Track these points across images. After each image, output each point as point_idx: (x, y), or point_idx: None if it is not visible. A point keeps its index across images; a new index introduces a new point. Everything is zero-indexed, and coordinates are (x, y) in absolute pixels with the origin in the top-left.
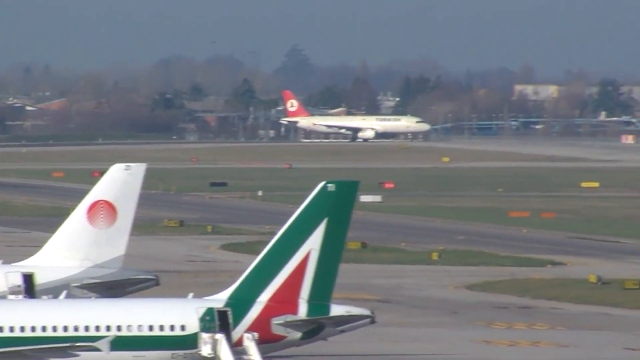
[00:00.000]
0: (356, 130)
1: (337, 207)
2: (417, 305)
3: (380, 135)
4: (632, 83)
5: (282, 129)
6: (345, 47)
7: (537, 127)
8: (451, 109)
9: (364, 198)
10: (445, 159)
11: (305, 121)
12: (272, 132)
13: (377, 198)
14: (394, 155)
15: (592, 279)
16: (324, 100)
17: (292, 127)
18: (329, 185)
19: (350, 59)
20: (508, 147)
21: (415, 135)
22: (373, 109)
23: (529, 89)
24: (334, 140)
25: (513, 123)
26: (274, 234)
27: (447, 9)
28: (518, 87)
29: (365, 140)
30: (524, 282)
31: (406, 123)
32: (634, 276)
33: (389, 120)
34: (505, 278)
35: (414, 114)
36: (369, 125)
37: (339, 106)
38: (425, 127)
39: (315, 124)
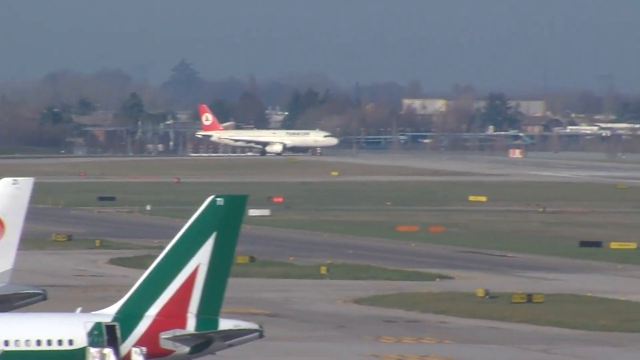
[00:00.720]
0: (265, 144)
1: (225, 222)
2: (305, 319)
3: (289, 149)
4: (519, 97)
5: (171, 143)
6: (234, 62)
7: (426, 141)
8: (340, 123)
9: (253, 212)
10: (334, 173)
11: (218, 134)
12: (160, 147)
13: (266, 212)
14: (283, 169)
15: (480, 292)
16: (213, 114)
17: (181, 142)
18: (218, 199)
19: (238, 74)
20: (396, 161)
21: (323, 149)
22: (262, 123)
23: (417, 103)
24: (223, 155)
25: (401, 137)
26: (162, 248)
27: (335, 24)
28: (406, 102)
29: (279, 154)
30: (413, 296)
31: (314, 137)
32: (521, 290)
33: (298, 134)
34: (393, 292)
35: (302, 128)
36: (279, 139)
37: (228, 120)
38: (333, 141)
39: (220, 138)
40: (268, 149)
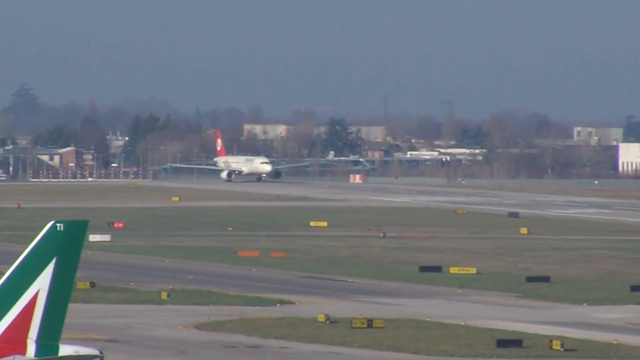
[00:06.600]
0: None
1: (66, 247)
2: (146, 345)
3: (246, 175)
4: (360, 123)
5: (11, 169)
6: (74, 87)
7: None
8: (180, 148)
9: (93, 238)
10: (175, 199)
11: (221, 160)
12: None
13: (107, 237)
14: (123, 194)
15: (321, 318)
16: (53, 140)
17: (21, 167)
18: (58, 224)
19: (79, 98)
20: (237, 186)
21: (267, 175)
22: (102, 148)
23: (257, 129)
24: (63, 180)
25: None
26: (1, 274)
27: (176, 49)
28: (247, 127)
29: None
30: (253, 321)
31: (255, 164)
32: (361, 315)
33: (249, 160)
34: (234, 317)
35: (143, 154)
36: (241, 166)
37: (69, 145)
38: (267, 167)
39: (220, 164)
40: (221, 175)
